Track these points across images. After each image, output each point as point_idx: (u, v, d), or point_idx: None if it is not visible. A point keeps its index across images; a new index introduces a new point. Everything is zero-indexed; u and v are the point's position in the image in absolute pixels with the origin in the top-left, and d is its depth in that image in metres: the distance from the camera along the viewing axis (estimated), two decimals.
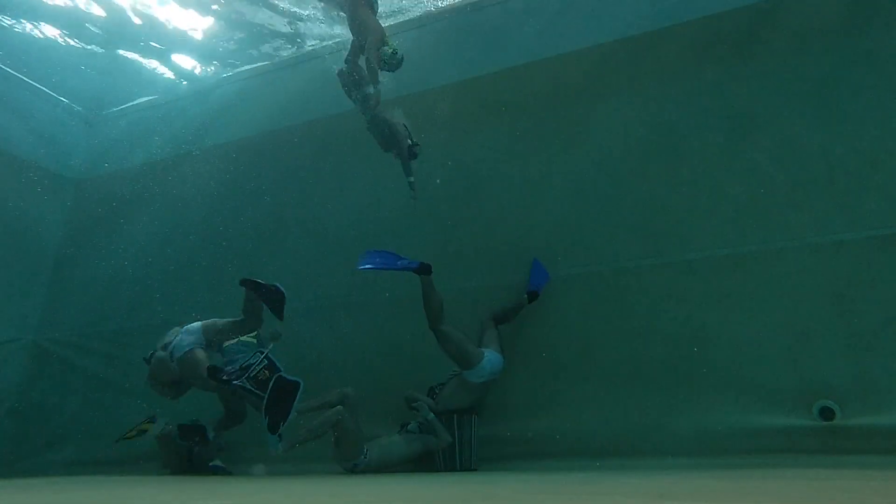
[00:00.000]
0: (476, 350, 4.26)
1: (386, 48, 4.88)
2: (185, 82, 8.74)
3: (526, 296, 4.68)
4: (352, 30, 5.22)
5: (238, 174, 6.60)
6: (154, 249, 6.69)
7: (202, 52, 8.36)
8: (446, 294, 4.60)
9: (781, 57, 4.60)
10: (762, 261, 4.25)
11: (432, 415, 4.25)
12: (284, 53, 8.07)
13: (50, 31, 7.76)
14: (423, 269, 4.33)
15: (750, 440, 3.88)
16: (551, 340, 4.68)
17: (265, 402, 4.14)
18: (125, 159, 7.44)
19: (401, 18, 7.05)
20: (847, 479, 2.40)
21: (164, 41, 8.14)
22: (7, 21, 7.44)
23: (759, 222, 4.34)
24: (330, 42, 7.14)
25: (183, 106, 7.51)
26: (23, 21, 7.53)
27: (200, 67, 8.61)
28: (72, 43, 7.93)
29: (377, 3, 5.30)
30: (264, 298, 4.60)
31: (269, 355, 4.42)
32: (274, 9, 7.54)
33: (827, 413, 3.78)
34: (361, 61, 5.15)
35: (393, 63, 4.92)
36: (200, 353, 4.54)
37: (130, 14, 7.64)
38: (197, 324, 4.77)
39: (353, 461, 4.03)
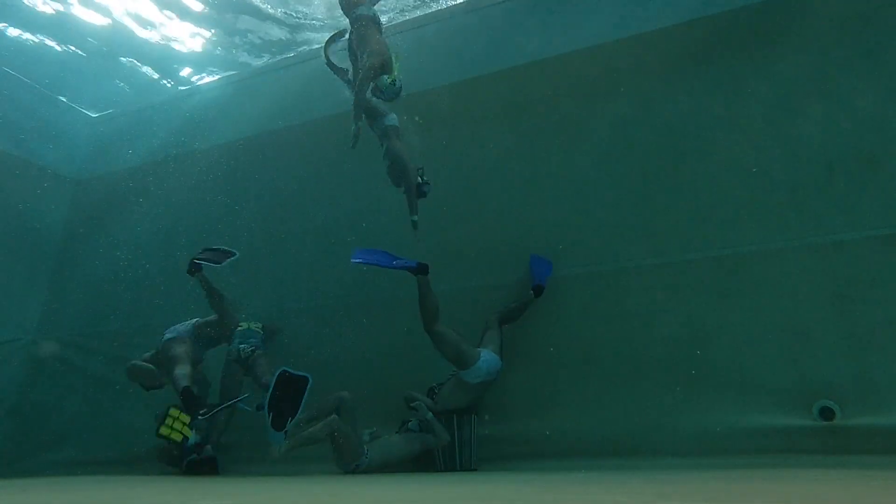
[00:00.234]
0: (472, 350, 4.26)
1: (385, 77, 4.66)
2: (185, 83, 8.75)
3: (532, 291, 4.68)
4: (354, 52, 4.97)
5: (238, 174, 6.60)
6: (154, 249, 6.69)
7: (202, 52, 8.37)
8: (446, 294, 4.60)
9: (781, 57, 4.60)
10: (762, 261, 4.25)
11: (431, 415, 4.25)
12: (282, 54, 8.08)
13: (50, 41, 7.78)
14: (421, 269, 4.32)
15: (750, 440, 3.88)
16: (551, 340, 4.68)
17: (268, 398, 4.15)
18: (125, 159, 7.44)
19: (401, 18, 7.06)
20: (847, 479, 2.40)
21: (163, 42, 8.15)
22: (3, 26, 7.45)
23: (759, 222, 4.34)
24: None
25: (183, 106, 7.52)
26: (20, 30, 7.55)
27: (201, 68, 8.62)
28: (71, 48, 7.93)
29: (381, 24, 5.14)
30: (210, 260, 4.89)
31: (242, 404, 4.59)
32: (273, 10, 7.55)
33: (827, 413, 3.78)
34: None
35: (391, 92, 4.73)
36: (178, 347, 4.80)
37: (130, 16, 7.65)
38: (191, 321, 5.10)
39: (354, 462, 4.03)
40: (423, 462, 4.35)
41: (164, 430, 4.14)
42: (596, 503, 1.76)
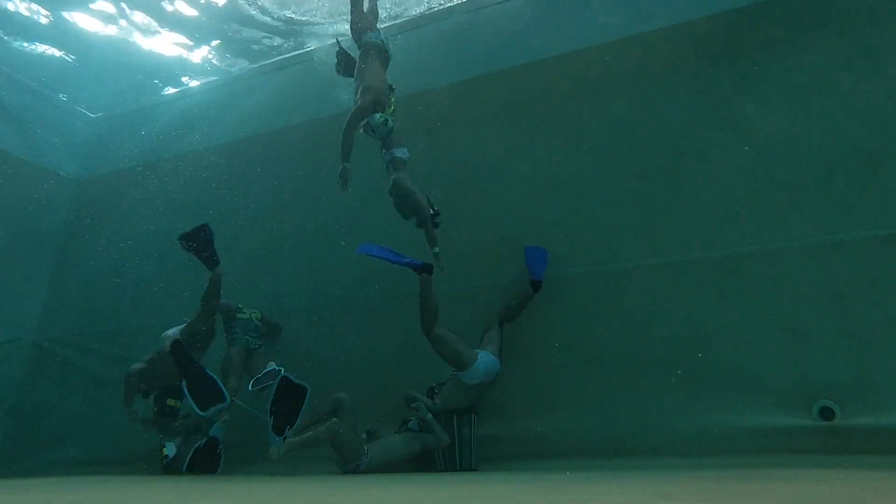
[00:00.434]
0: (470, 352, 4.25)
1: (377, 115, 4.57)
2: (185, 83, 8.76)
3: (530, 287, 4.67)
4: (357, 81, 4.83)
5: (238, 174, 6.60)
6: (154, 249, 6.69)
7: (201, 53, 8.37)
8: (446, 294, 4.61)
9: (781, 57, 4.60)
10: (762, 261, 4.25)
11: (430, 415, 4.25)
12: (283, 54, 8.08)
13: (49, 42, 7.79)
14: (425, 269, 4.34)
15: (750, 440, 3.88)
16: (551, 340, 4.68)
17: (270, 403, 4.17)
18: (125, 159, 7.44)
19: (401, 19, 7.06)
20: (847, 479, 2.40)
21: (163, 42, 8.15)
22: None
23: (759, 222, 4.34)
24: (327, 43, 7.13)
25: (183, 106, 7.52)
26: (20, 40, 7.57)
27: (200, 68, 8.62)
28: (72, 50, 7.95)
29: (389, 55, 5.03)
30: (195, 250, 4.84)
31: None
32: (272, 13, 7.56)
33: (827, 413, 3.78)
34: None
35: (382, 131, 4.67)
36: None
37: (130, 17, 7.66)
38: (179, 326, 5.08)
39: (354, 463, 4.03)
40: (423, 462, 4.34)
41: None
42: (596, 503, 1.76)
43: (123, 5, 7.46)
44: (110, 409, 6.02)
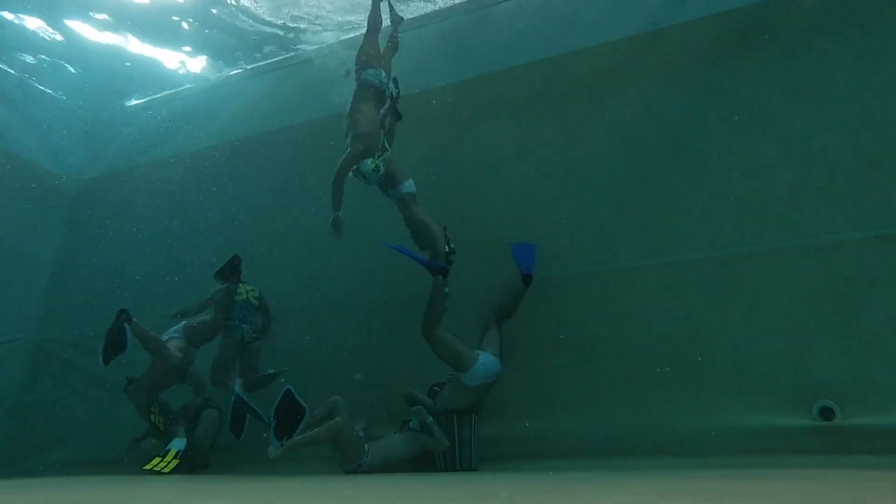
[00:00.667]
0: (470, 353, 4.25)
1: (368, 162, 4.56)
2: (185, 83, 8.75)
3: (521, 281, 4.64)
4: (347, 124, 4.80)
5: (238, 174, 6.60)
6: (154, 249, 6.69)
7: (201, 53, 8.37)
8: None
9: (781, 57, 4.60)
10: (762, 261, 4.25)
11: (430, 418, 4.25)
12: (282, 55, 8.08)
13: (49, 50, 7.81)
14: (441, 271, 4.37)
15: (750, 440, 3.88)
16: (551, 340, 4.68)
17: (275, 408, 4.19)
18: (125, 159, 7.44)
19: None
20: (847, 480, 2.40)
21: (163, 42, 8.15)
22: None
23: (759, 222, 4.34)
24: (325, 44, 7.14)
25: (183, 106, 7.52)
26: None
27: (200, 69, 8.62)
28: (70, 49, 7.95)
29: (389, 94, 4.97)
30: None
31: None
32: (270, 14, 7.57)
33: (827, 413, 3.78)
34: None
35: (373, 178, 4.65)
36: (174, 344, 5.07)
37: (129, 16, 7.66)
38: (181, 323, 5.27)
39: (356, 462, 4.04)
40: (423, 462, 4.34)
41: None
42: (596, 503, 1.76)
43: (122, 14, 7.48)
44: (110, 409, 6.03)
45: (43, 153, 7.35)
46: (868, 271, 3.95)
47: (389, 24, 5.46)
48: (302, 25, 7.70)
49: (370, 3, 5.41)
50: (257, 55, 8.14)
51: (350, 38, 6.79)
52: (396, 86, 5.08)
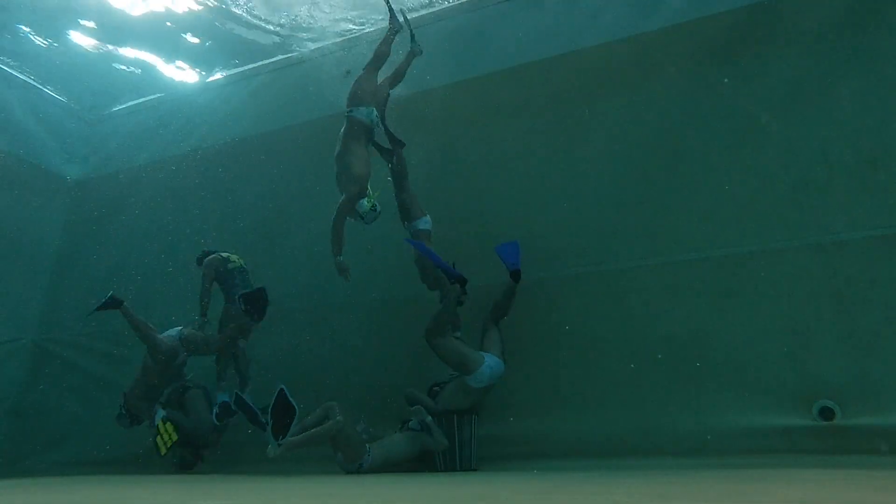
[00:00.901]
0: (475, 355, 4.24)
1: (365, 202, 4.53)
2: (185, 83, 8.74)
3: (510, 278, 4.57)
4: (339, 166, 4.70)
5: (238, 174, 6.60)
6: (154, 249, 6.69)
7: (201, 53, 8.36)
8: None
9: (781, 57, 4.59)
10: (762, 261, 4.25)
11: (430, 418, 4.25)
12: (282, 55, 8.07)
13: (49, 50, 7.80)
14: (460, 280, 4.39)
15: (750, 440, 3.88)
16: (551, 340, 4.68)
17: (270, 408, 4.18)
18: (125, 159, 7.43)
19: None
20: (847, 479, 2.40)
21: (163, 42, 8.14)
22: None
23: (759, 222, 4.34)
24: (332, 41, 7.13)
25: (182, 106, 7.51)
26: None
27: (199, 69, 8.61)
28: (71, 47, 7.94)
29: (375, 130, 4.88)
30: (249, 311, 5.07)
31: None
32: (269, 14, 7.56)
33: (827, 413, 3.78)
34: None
35: (371, 217, 4.60)
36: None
37: (128, 18, 7.66)
38: (176, 328, 5.29)
39: (358, 462, 4.04)
40: (423, 462, 4.34)
41: (159, 443, 4.72)
42: (596, 503, 1.76)
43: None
44: (110, 409, 6.03)
45: (43, 153, 7.34)
46: (868, 271, 3.96)
47: (405, 57, 5.23)
48: (301, 34, 7.71)
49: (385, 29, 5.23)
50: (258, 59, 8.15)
51: (346, 39, 6.79)
52: (382, 122, 5.00)
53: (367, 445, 4.10)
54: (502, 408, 4.60)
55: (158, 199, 6.95)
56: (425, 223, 4.89)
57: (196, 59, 8.40)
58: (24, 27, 7.38)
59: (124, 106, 8.10)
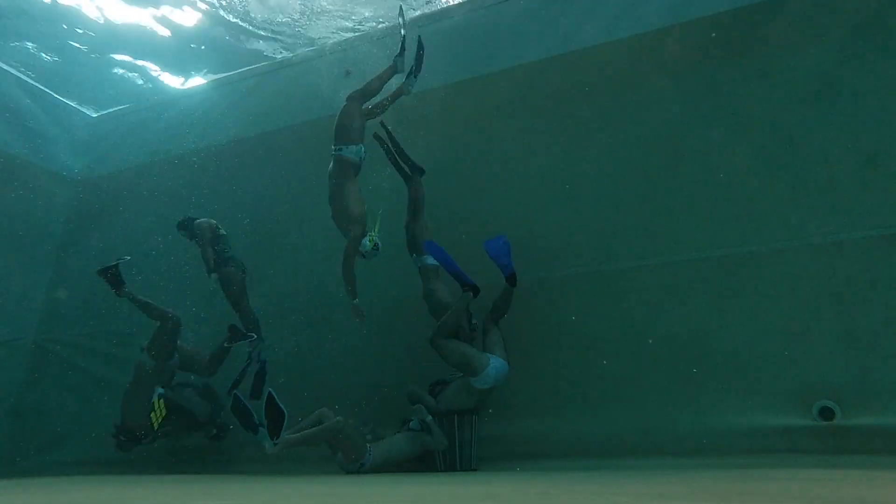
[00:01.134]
0: (481, 357, 4.23)
1: (366, 241, 4.53)
2: (184, 83, 8.76)
3: (507, 283, 4.51)
4: (335, 208, 4.70)
5: (238, 174, 6.60)
6: (154, 249, 6.68)
7: (201, 52, 8.37)
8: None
9: (782, 57, 4.59)
10: (762, 261, 4.25)
11: (430, 417, 4.25)
12: (280, 55, 8.09)
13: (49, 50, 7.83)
14: (473, 289, 4.38)
15: (750, 440, 3.89)
16: (551, 340, 4.68)
17: (264, 411, 4.16)
18: (125, 159, 7.43)
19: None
20: (847, 479, 2.40)
21: (163, 43, 8.16)
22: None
23: (759, 222, 4.34)
24: (330, 41, 7.13)
25: (182, 106, 7.52)
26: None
27: (200, 69, 8.62)
28: (71, 47, 7.96)
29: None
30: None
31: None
32: (267, 14, 7.59)
33: (827, 413, 3.78)
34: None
35: (372, 255, 4.60)
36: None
37: (127, 20, 7.68)
38: None
39: (359, 462, 4.04)
40: (424, 462, 4.34)
41: (153, 417, 4.93)
42: (596, 503, 1.76)
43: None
44: (110, 410, 6.03)
45: (43, 153, 7.34)
46: (868, 271, 3.96)
47: (395, 91, 5.12)
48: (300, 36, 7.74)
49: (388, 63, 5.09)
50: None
51: (346, 39, 6.79)
52: (398, 152, 5.09)
53: (367, 445, 4.10)
54: (502, 408, 4.60)
55: (159, 199, 6.95)
56: (435, 259, 4.80)
57: (196, 61, 8.43)
58: (28, 43, 7.42)
59: (125, 106, 8.11)
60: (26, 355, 6.84)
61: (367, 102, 4.96)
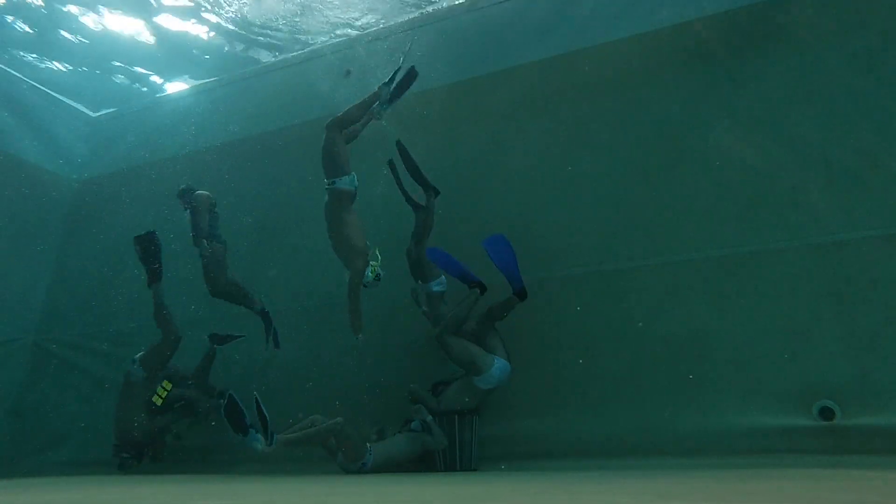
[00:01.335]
0: (486, 357, 4.24)
1: (369, 273, 4.49)
2: (184, 83, 8.76)
3: (515, 297, 4.40)
4: (336, 240, 4.67)
5: (238, 174, 6.59)
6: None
7: (200, 53, 8.38)
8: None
9: (781, 57, 4.59)
10: (762, 261, 4.25)
11: (431, 417, 4.25)
12: (280, 57, 8.09)
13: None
14: (479, 286, 4.39)
15: (750, 440, 3.88)
16: (551, 340, 4.68)
17: (255, 408, 4.14)
18: (125, 159, 7.43)
19: (403, 17, 7.04)
20: (847, 479, 2.40)
21: (163, 43, 8.16)
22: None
23: (759, 222, 4.34)
24: (328, 41, 7.13)
25: (182, 106, 7.52)
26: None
27: (200, 69, 8.63)
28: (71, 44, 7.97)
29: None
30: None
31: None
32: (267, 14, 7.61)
33: (827, 413, 3.78)
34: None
35: (373, 286, 4.56)
36: None
37: (126, 21, 7.69)
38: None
39: (360, 462, 4.04)
40: (424, 462, 4.34)
41: (155, 399, 5.06)
42: (596, 503, 1.76)
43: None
44: (110, 409, 6.02)
45: (43, 153, 7.34)
46: (868, 271, 3.95)
47: (365, 117, 4.99)
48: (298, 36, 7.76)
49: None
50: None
51: (345, 39, 6.79)
52: (416, 172, 5.04)
53: (368, 445, 4.10)
54: (503, 408, 4.60)
55: (158, 199, 6.94)
56: (439, 285, 4.75)
57: (196, 64, 8.45)
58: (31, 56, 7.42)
59: (125, 105, 8.11)
60: (26, 355, 6.84)
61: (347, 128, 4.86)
